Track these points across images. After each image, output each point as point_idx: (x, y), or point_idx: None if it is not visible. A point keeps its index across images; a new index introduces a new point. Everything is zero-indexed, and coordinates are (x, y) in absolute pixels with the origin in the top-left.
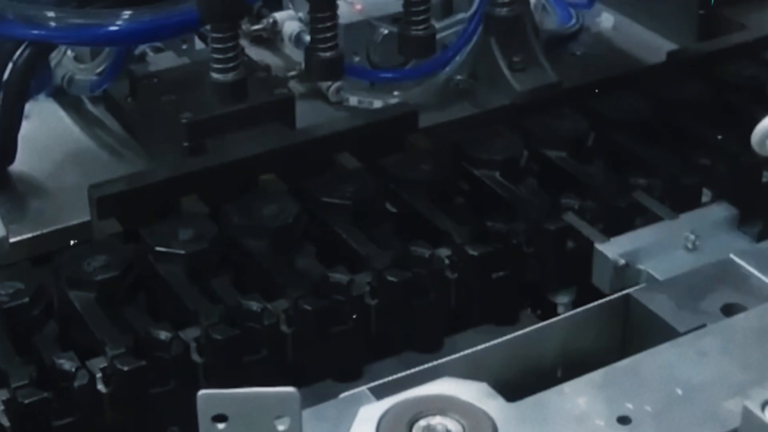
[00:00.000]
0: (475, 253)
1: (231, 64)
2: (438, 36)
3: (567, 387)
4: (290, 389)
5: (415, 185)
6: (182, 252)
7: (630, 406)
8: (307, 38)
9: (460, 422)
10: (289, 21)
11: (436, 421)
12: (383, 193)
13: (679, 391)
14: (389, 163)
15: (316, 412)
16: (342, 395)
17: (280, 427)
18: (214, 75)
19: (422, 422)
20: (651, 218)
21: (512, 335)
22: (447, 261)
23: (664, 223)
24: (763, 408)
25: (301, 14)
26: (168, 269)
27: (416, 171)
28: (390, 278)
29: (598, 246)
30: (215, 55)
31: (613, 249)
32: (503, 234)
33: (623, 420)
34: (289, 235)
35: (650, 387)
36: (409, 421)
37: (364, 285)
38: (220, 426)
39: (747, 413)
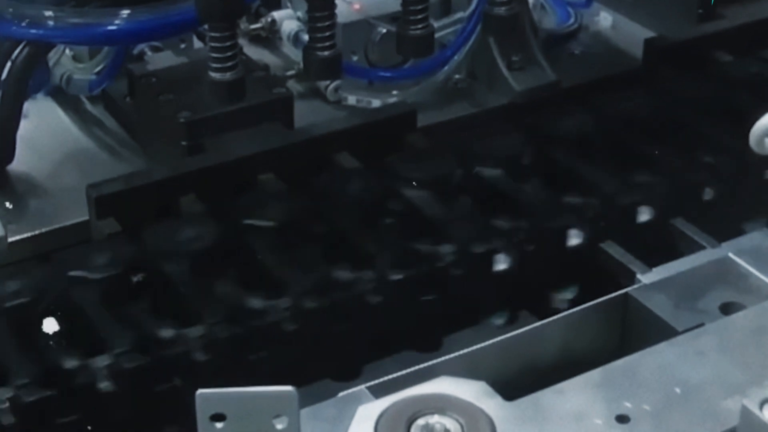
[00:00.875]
0: (397, 277)
1: (229, 64)
2: (436, 35)
3: (565, 386)
4: (288, 388)
5: (345, 205)
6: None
7: (628, 405)
8: (306, 37)
9: (459, 421)
10: (288, 20)
11: (435, 420)
12: (310, 214)
13: (678, 390)
14: (320, 182)
15: (314, 411)
16: (340, 394)
17: (279, 426)
18: (213, 74)
19: (421, 421)
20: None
21: (510, 334)
22: (370, 285)
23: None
24: (761, 407)
25: (299, 13)
26: (82, 295)
27: (346, 191)
28: (309, 304)
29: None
30: (213, 55)
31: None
32: (430, 257)
33: (622, 419)
34: (207, 259)
35: (649, 386)
36: (407, 420)
37: (281, 311)
38: (219, 425)
39: (745, 412)
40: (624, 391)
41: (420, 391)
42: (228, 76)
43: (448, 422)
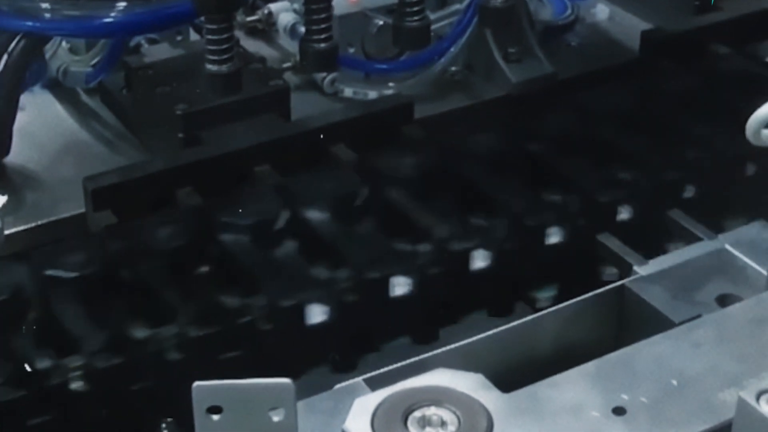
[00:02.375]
0: (200, 334)
1: (226, 56)
2: (433, 27)
3: (562, 378)
4: (285, 380)
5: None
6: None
7: (625, 397)
8: (302, 29)
9: (456, 413)
10: (284, 12)
11: (431, 412)
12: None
13: (674, 382)
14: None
15: (310, 403)
16: (337, 386)
17: (275, 419)
18: (209, 66)
19: (417, 413)
20: None
21: (507, 326)
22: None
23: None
24: (758, 398)
25: (296, 5)
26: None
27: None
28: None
29: None
30: (210, 47)
31: None
32: (238, 312)
33: (618, 411)
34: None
35: (645, 378)
36: (404, 412)
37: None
38: (215, 417)
39: (742, 404)
40: (620, 383)
41: (416, 384)
42: (224, 68)
43: (445, 414)
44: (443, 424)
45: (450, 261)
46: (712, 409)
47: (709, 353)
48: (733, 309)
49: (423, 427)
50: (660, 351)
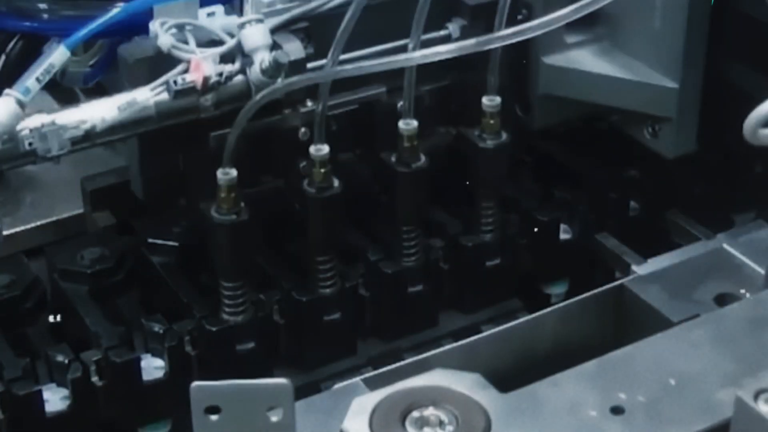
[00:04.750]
0: (117, 360)
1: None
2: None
3: (560, 377)
4: (283, 380)
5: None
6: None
7: (623, 396)
8: None
9: (453, 413)
10: None
11: (429, 412)
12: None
13: (673, 382)
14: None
15: (309, 403)
16: (335, 386)
17: (273, 419)
18: None
19: (415, 413)
20: None
21: (505, 326)
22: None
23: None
24: (755, 398)
25: None
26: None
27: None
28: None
29: None
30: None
31: None
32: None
33: (616, 410)
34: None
35: (643, 377)
36: (402, 412)
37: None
38: (214, 418)
39: (740, 403)
40: (619, 382)
41: (414, 384)
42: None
43: (442, 414)
44: (441, 424)
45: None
46: (710, 408)
47: (708, 353)
48: (731, 308)
49: (421, 427)
50: (658, 350)
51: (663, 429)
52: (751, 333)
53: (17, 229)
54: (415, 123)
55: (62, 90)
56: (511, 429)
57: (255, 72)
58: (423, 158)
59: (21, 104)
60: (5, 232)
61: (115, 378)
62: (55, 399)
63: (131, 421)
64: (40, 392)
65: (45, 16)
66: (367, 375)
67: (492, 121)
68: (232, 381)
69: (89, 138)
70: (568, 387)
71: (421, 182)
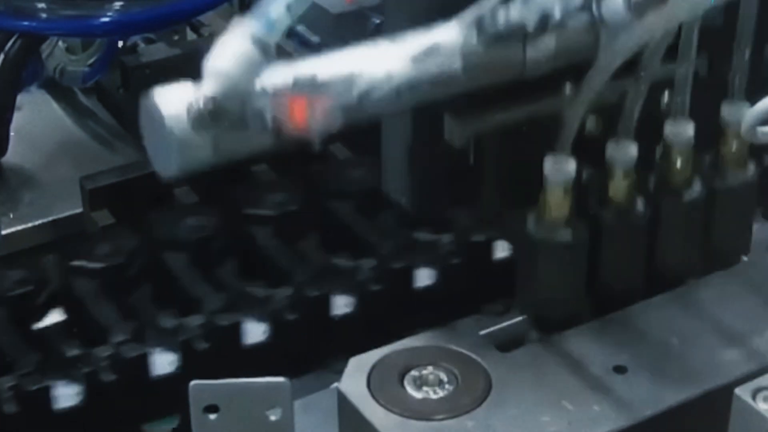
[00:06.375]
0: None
1: None
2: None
3: (562, 337)
4: (282, 379)
5: None
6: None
7: (626, 355)
8: None
9: (453, 372)
10: None
11: (428, 371)
12: None
13: (675, 341)
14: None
15: (308, 402)
16: (334, 385)
17: (272, 418)
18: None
19: (414, 372)
20: None
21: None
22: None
23: None
24: (754, 396)
25: None
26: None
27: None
28: None
29: None
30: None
31: None
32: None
33: (619, 369)
34: None
35: (646, 337)
36: (400, 371)
37: None
38: (212, 416)
39: (738, 401)
40: (621, 342)
41: (413, 343)
42: None
43: (442, 373)
44: (440, 383)
45: None
46: (713, 368)
47: (711, 313)
48: (735, 269)
49: (420, 386)
50: (661, 310)
51: (665, 388)
52: (756, 293)
53: (16, 228)
54: None
55: (61, 90)
56: (512, 388)
57: (612, 5)
58: None
59: (265, 48)
60: (4, 231)
61: (127, 373)
62: (66, 394)
63: (142, 415)
64: (51, 387)
65: (43, 15)
66: None
67: None
68: (230, 380)
69: (362, 108)
70: (570, 346)
71: None
